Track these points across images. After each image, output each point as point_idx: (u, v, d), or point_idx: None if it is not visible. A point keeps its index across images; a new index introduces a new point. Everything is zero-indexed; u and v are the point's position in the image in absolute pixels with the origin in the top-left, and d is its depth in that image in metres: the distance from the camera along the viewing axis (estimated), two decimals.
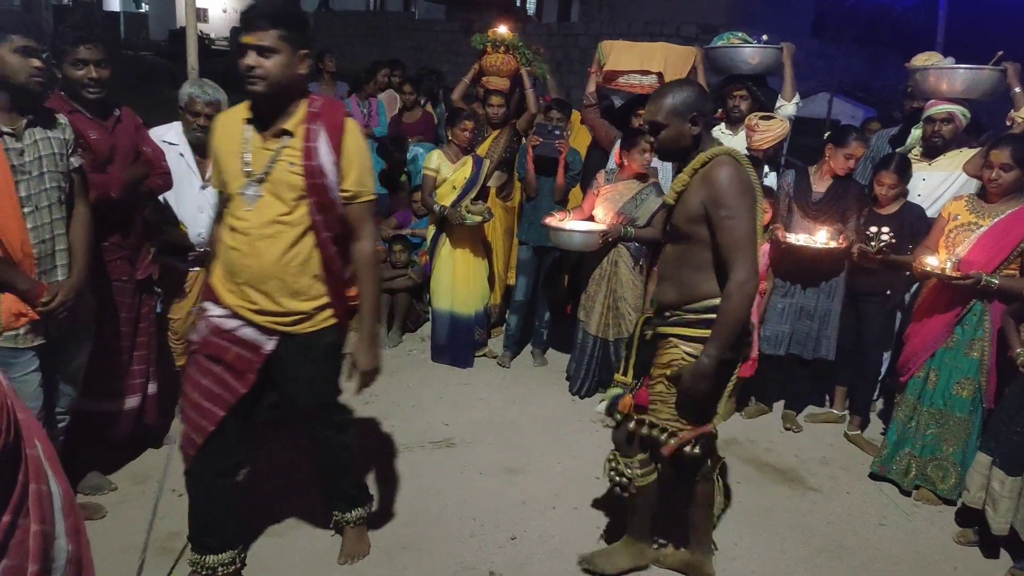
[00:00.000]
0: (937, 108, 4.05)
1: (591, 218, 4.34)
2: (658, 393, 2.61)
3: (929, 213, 3.95)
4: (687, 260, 2.54)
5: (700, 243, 2.50)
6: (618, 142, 4.64)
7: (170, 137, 3.38)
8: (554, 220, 4.26)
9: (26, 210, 2.43)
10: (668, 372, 2.57)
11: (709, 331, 2.47)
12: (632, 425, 2.65)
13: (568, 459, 3.74)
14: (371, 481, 3.43)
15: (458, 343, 4.82)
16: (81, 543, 1.38)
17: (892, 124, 5.48)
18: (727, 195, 2.39)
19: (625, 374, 2.77)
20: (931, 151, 4.14)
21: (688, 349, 2.54)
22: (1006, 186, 3.36)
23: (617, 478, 2.72)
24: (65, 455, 2.74)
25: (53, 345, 2.59)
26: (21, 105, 2.44)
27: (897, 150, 4.30)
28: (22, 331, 2.46)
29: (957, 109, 4.03)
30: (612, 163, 4.55)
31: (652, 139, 4.22)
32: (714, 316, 2.46)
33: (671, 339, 2.58)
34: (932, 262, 3.44)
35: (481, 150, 4.88)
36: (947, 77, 4.11)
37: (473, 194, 4.64)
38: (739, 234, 2.39)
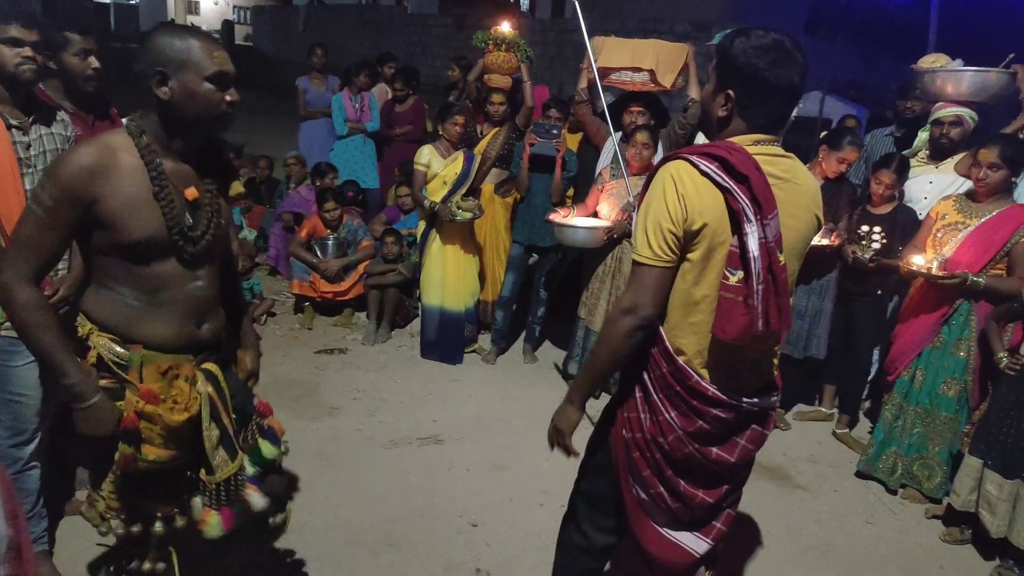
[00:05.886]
0: (945, 111, 4.03)
1: (595, 214, 4.34)
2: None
3: None
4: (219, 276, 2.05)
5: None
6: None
7: None
8: (558, 216, 4.25)
9: None
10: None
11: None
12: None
13: (556, 456, 3.69)
14: (358, 477, 3.42)
15: (447, 339, 4.81)
16: (20, 528, 1.36)
17: (885, 124, 5.49)
18: None
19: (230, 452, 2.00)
20: (938, 154, 4.12)
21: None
22: (993, 185, 3.36)
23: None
24: (52, 449, 2.75)
25: None
26: (22, 99, 2.43)
27: (904, 152, 4.29)
28: None
29: (965, 112, 4.01)
30: (603, 159, 4.55)
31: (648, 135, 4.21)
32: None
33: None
34: (919, 261, 3.45)
35: (480, 147, 4.87)
36: (954, 79, 4.06)
37: (464, 190, 4.62)
38: None
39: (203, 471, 1.96)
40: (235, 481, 1.98)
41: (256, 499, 2.03)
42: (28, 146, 2.43)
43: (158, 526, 1.94)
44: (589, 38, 4.23)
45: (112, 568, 2.02)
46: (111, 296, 1.83)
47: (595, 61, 4.53)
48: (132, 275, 1.82)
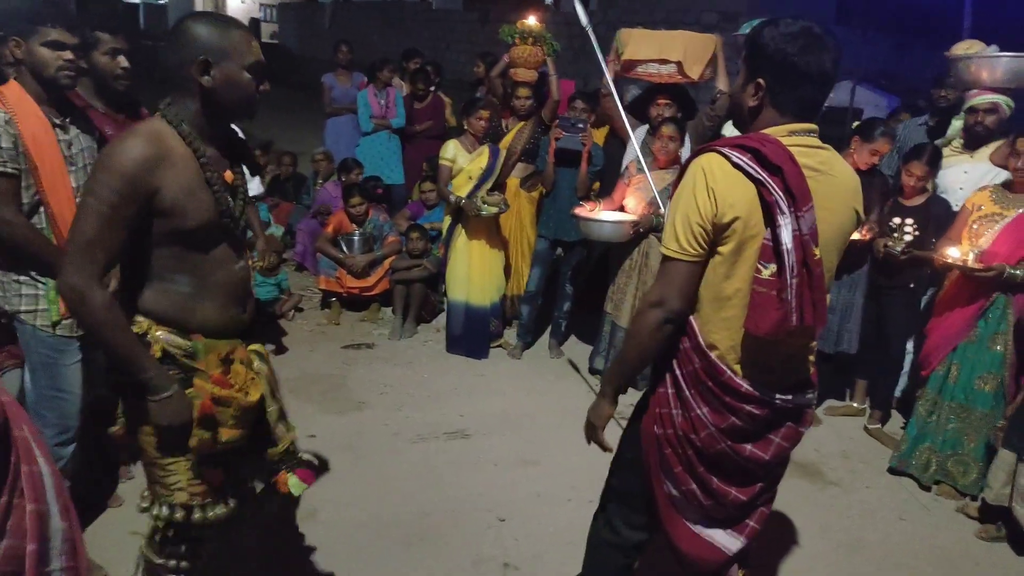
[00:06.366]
0: (981, 98, 3.95)
1: (621, 208, 4.31)
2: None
3: None
4: None
5: None
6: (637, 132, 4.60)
7: None
8: (584, 210, 4.23)
9: (76, 200, 2.45)
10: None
11: None
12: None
13: (584, 452, 3.67)
14: (386, 472, 3.44)
15: (473, 334, 4.81)
16: (72, 522, 1.38)
17: (918, 113, 5.38)
18: None
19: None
20: (973, 142, 4.04)
21: None
22: None
23: None
24: (88, 445, 2.80)
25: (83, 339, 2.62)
26: (58, 99, 2.47)
27: (937, 141, 4.20)
28: (74, 320, 2.50)
29: (1001, 99, 3.93)
30: (629, 153, 4.51)
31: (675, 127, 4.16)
32: None
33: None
34: (954, 253, 3.38)
35: (505, 142, 4.86)
36: (989, 66, 3.97)
37: (489, 184, 4.62)
38: None
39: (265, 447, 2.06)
40: (293, 448, 2.09)
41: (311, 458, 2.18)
42: (69, 144, 2.48)
43: (228, 505, 1.99)
44: (616, 31, 4.20)
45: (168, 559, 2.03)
46: (167, 287, 1.83)
47: (621, 53, 4.50)
48: (188, 263, 1.83)
